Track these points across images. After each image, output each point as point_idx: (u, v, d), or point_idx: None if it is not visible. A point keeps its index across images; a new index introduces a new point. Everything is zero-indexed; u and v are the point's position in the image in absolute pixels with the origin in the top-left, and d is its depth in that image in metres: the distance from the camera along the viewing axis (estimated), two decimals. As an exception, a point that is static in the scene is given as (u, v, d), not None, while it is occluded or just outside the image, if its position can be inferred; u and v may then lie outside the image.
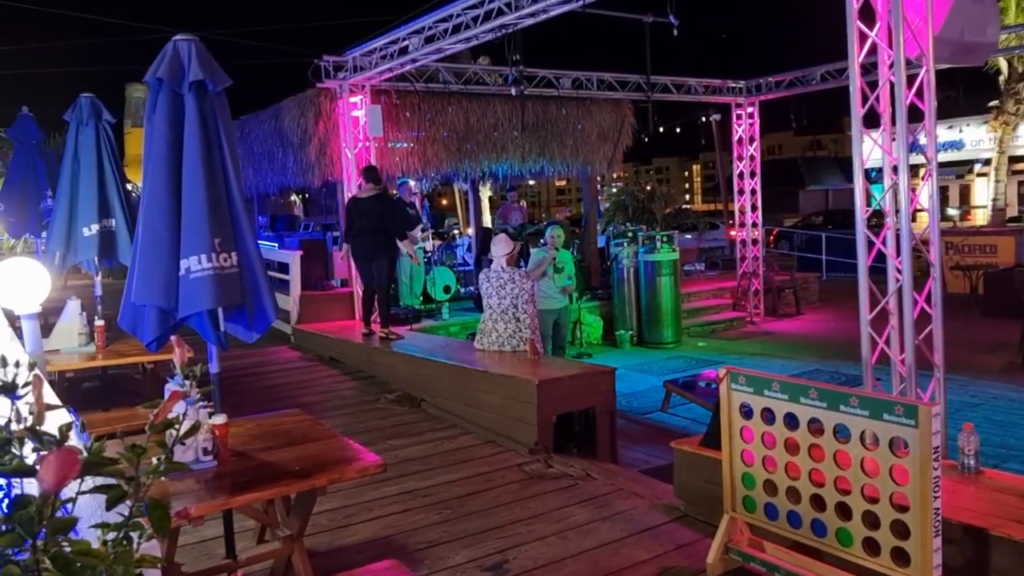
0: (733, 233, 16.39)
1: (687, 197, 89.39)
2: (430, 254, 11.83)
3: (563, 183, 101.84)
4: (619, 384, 6.43)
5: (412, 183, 11.75)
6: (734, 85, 13.06)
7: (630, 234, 12.33)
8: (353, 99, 9.84)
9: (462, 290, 12.81)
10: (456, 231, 16.31)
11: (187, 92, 3.25)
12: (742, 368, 3.81)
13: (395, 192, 11.54)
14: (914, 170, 4.94)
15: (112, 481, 1.26)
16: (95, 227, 5.71)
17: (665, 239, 11.72)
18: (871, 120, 4.61)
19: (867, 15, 4.58)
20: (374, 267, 8.64)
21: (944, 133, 24.82)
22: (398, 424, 6.50)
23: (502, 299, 6.79)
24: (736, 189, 13.50)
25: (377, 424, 6.49)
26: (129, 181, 7.01)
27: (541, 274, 8.35)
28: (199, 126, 3.26)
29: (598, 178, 14.73)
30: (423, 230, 10.97)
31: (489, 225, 16.99)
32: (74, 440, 1.34)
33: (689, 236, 20.29)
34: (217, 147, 3.32)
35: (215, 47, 3.68)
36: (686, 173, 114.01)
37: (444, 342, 8.57)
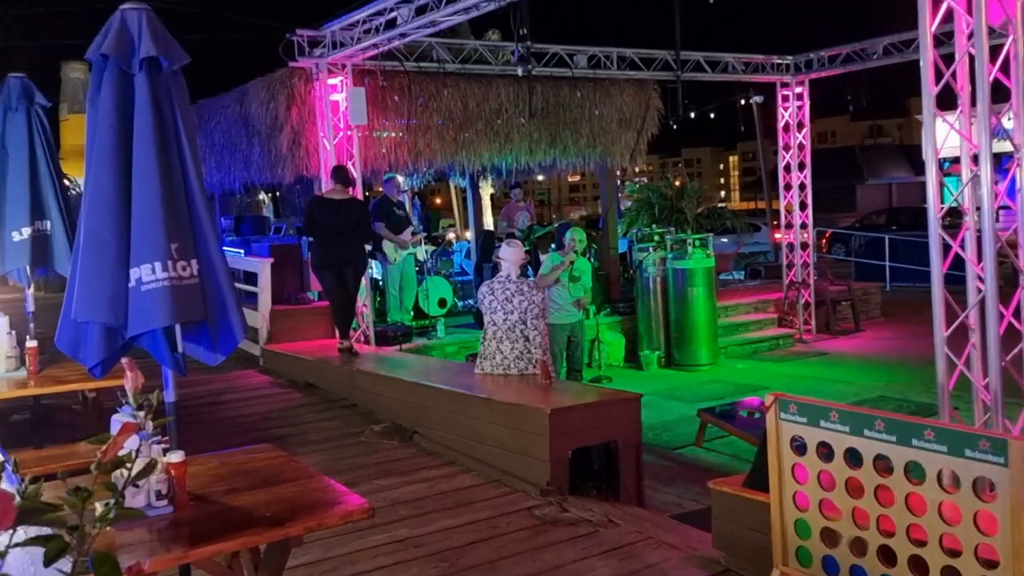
0: (778, 236, 16.40)
1: (723, 194, 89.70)
2: (423, 262, 11.85)
3: (577, 178, 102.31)
4: (645, 413, 6.41)
5: (400, 179, 11.78)
6: (779, 62, 13.09)
7: (656, 237, 12.35)
8: (332, 81, 9.87)
9: (460, 303, 12.83)
10: (452, 235, 16.39)
11: (137, 71, 3.25)
12: (792, 395, 3.79)
13: (380, 190, 11.61)
14: (997, 159, 4.91)
15: (51, 531, 1.23)
16: (26, 231, 5.70)
17: (698, 243, 11.74)
18: (946, 101, 4.58)
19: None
20: (345, 275, 8.80)
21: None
22: (386, 461, 6.49)
23: (508, 314, 6.79)
24: (782, 184, 13.51)
25: (362, 461, 6.48)
26: (67, 176, 7.02)
27: (553, 281, 8.37)
28: (152, 111, 3.26)
29: (618, 172, 14.76)
30: (414, 233, 10.98)
31: (491, 228, 17.06)
32: (4, 484, 1.32)
33: (726, 239, 20.29)
34: (173, 136, 3.32)
35: (169, 18, 3.69)
36: (722, 166, 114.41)
37: (439, 365, 8.56)
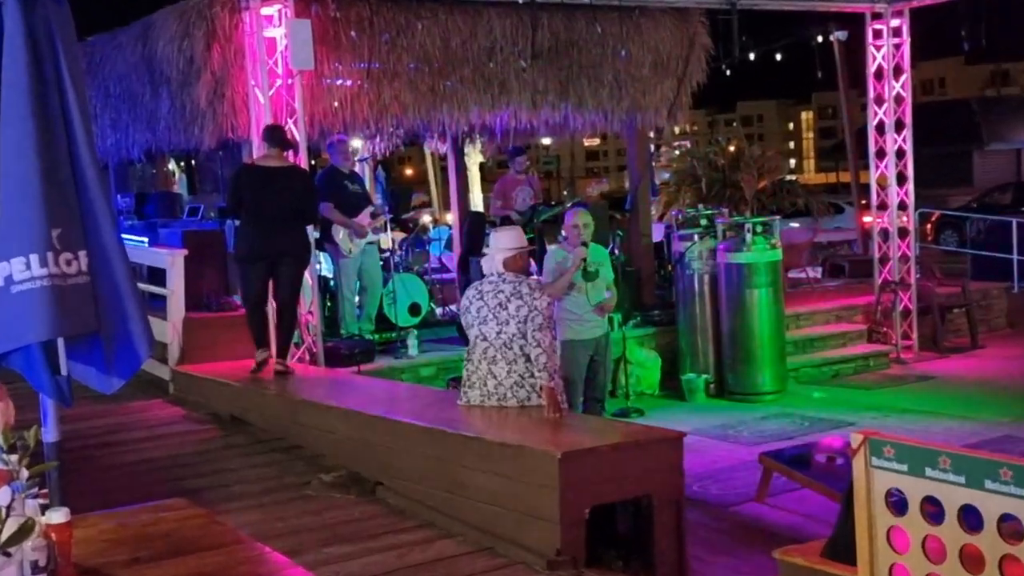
0: (867, 219, 16.38)
1: (793, 163, 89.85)
2: (388, 255, 11.87)
3: (596, 142, 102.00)
4: (689, 458, 6.40)
5: (357, 143, 11.80)
6: (870, -15, 13.13)
7: (704, 221, 12.37)
8: (267, 10, 9.88)
9: (438, 310, 12.82)
10: (428, 218, 16.40)
11: (7, -2, 3.26)
12: (887, 433, 3.81)
13: (326, 156, 11.62)
14: None
15: None
16: None
17: (759, 229, 11.76)
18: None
19: None
20: (280, 271, 8.91)
21: None
22: (340, 522, 6.47)
23: (503, 324, 6.79)
24: (872, 149, 13.54)
25: (307, 522, 6.47)
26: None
27: (565, 286, 8.34)
28: (26, 52, 3.27)
29: (652, 134, 14.74)
30: (374, 215, 11.01)
31: (480, 208, 17.06)
32: None
33: (797, 224, 20.27)
34: (54, 85, 3.33)
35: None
36: (791, 125, 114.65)
37: (410, 392, 8.56)
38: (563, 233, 8.82)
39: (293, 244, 8.92)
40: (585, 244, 8.40)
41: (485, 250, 7.23)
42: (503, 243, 7.01)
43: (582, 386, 8.52)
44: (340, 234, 10.77)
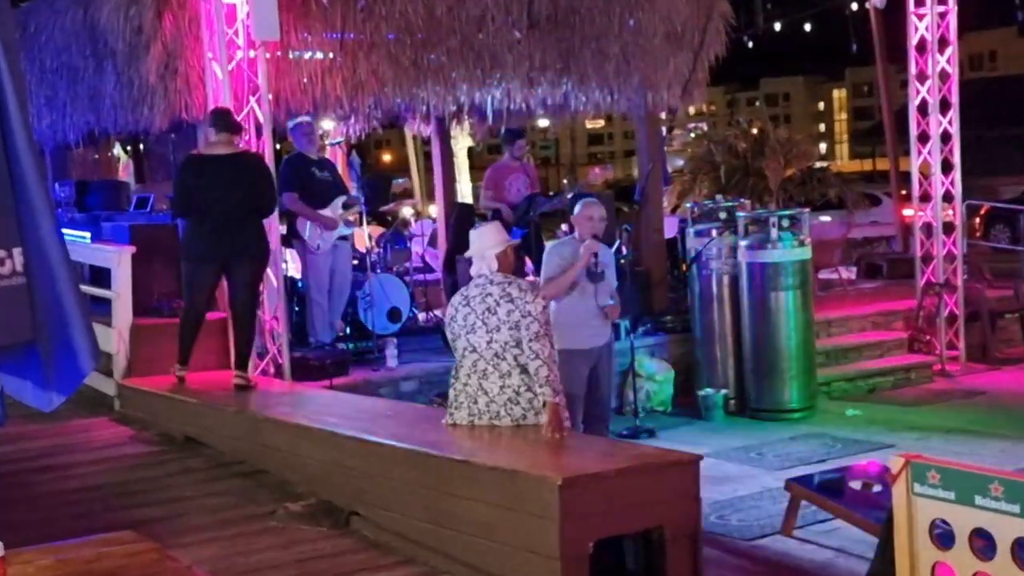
0: (908, 213, 16.38)
1: (824, 148, 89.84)
2: (364, 253, 11.85)
3: (600, 124, 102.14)
4: (706, 486, 6.42)
5: (330, 125, 11.78)
6: (911, -56, 13.14)
7: (723, 215, 12.36)
8: (226, -27, 9.87)
9: (422, 316, 12.81)
10: (410, 210, 16.38)
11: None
12: (931, 456, 3.81)
13: (290, 141, 11.61)
14: None
15: None
16: None
17: (786, 223, 11.76)
18: None
19: None
20: (235, 272, 9.01)
21: None
22: (311, 557, 6.47)
23: (493, 332, 6.78)
24: (914, 132, 13.52)
25: (272, 557, 6.47)
26: None
27: (567, 286, 8.30)
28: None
29: (664, 115, 14.71)
30: (347, 206, 11.01)
31: (468, 199, 17.06)
32: None
33: (828, 218, 20.27)
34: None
35: None
36: (822, 105, 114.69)
37: (390, 409, 8.53)
38: (563, 227, 8.84)
39: (248, 241, 8.96)
40: (597, 237, 8.44)
41: (469, 253, 7.19)
42: (490, 239, 7.01)
43: (583, 402, 8.48)
44: (307, 229, 10.78)
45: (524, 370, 6.78)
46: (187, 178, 8.98)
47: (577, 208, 8.68)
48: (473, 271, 7.09)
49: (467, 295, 6.98)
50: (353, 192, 12.34)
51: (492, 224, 7.40)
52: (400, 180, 21.15)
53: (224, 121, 9.10)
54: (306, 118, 11.11)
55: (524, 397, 6.81)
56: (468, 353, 6.89)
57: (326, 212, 10.83)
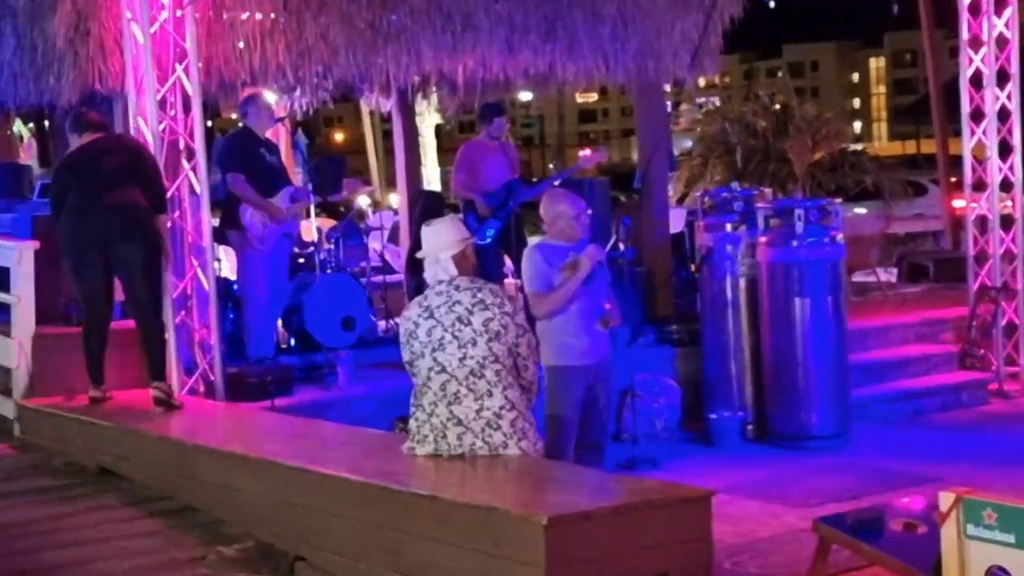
0: (959, 204, 16.38)
1: (858, 126, 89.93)
2: (312, 250, 11.88)
3: (593, 98, 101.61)
4: (720, 525, 6.44)
5: (271, 97, 11.78)
6: None
7: (739, 205, 12.39)
8: (148, -84, 9.89)
9: (381, 325, 12.81)
10: (367, 200, 16.39)
11: None
12: (988, 492, 3.84)
13: (235, 118, 11.61)
14: None
15: None
16: None
17: (814, 216, 11.81)
18: None
19: None
20: (123, 261, 9.16)
21: None
22: (248, 612, 6.52)
23: (468, 347, 6.79)
24: (966, 110, 13.48)
25: (203, 612, 6.50)
26: None
27: (568, 297, 8.26)
28: None
29: (669, 87, 14.72)
30: (294, 200, 11.04)
31: (436, 186, 17.05)
32: None
33: (864, 210, 20.31)
34: None
35: None
36: (856, 76, 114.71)
37: (342, 435, 8.55)
38: (549, 225, 8.69)
39: (131, 221, 9.10)
40: (579, 236, 8.46)
41: (420, 254, 7.21)
42: (446, 237, 7.00)
43: (575, 428, 8.51)
44: (253, 217, 10.86)
45: (508, 387, 6.85)
46: (62, 179, 9.29)
47: (545, 207, 8.60)
48: (428, 277, 7.08)
49: (428, 305, 6.93)
50: (299, 179, 12.38)
51: (447, 220, 7.31)
52: (362, 177, 21.04)
53: (82, 123, 9.37)
54: (258, 90, 11.14)
55: (507, 419, 6.81)
56: (435, 375, 6.86)
57: (273, 201, 10.87)
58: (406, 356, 7.05)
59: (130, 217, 9.14)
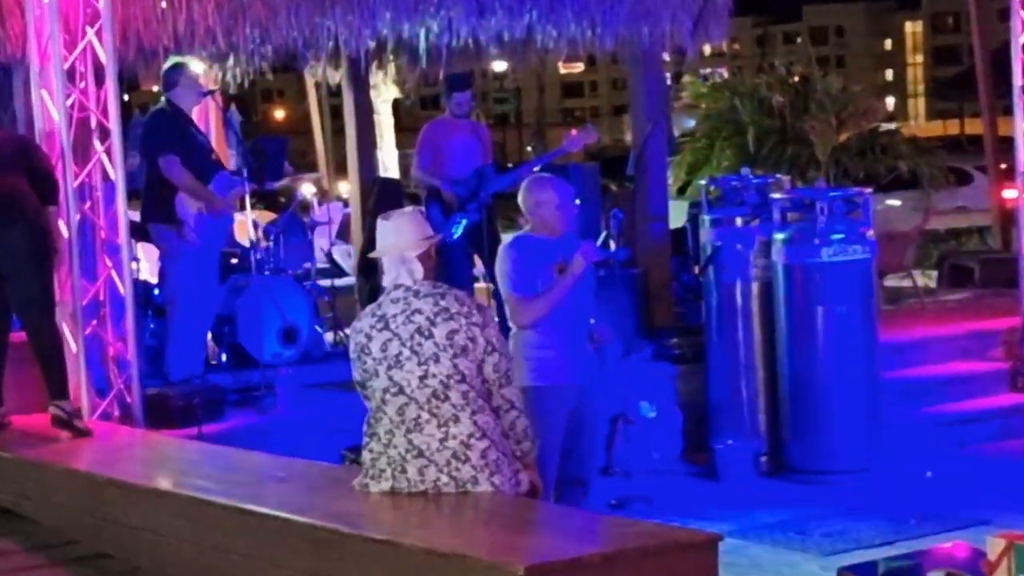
0: (1009, 195, 16.44)
1: (891, 103, 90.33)
2: (249, 248, 11.85)
3: (579, 68, 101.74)
4: (728, 574, 6.44)
5: (196, 67, 11.75)
6: None
7: (750, 195, 12.41)
8: None
9: (328, 337, 12.78)
10: (312, 188, 16.35)
11: None
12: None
13: (157, 90, 11.58)
14: None
15: None
16: None
17: (841, 208, 11.83)
18: None
19: None
20: (7, 264, 9.19)
21: None
22: None
23: (431, 364, 6.77)
24: (1018, 83, 13.55)
25: None
26: None
27: (558, 301, 8.23)
28: None
29: (667, 56, 14.74)
30: (230, 188, 11.01)
31: (395, 174, 17.03)
32: None
33: (898, 202, 20.39)
34: None
35: None
36: (888, 43, 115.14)
37: (283, 468, 8.52)
38: (531, 216, 8.65)
39: (9, 206, 9.13)
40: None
41: (377, 254, 7.13)
42: (408, 236, 6.96)
43: (556, 460, 8.49)
44: (187, 208, 10.83)
45: (478, 412, 6.81)
46: None
47: (525, 195, 8.57)
48: (386, 280, 6.98)
49: (382, 315, 6.85)
50: (232, 164, 12.34)
51: (407, 213, 7.19)
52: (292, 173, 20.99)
53: None
54: (193, 59, 11.10)
55: (476, 450, 6.75)
56: (391, 397, 6.80)
57: (211, 189, 10.86)
58: (357, 375, 6.99)
59: (10, 201, 9.13)
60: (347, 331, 12.52)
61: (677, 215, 14.31)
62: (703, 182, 14.13)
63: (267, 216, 13.53)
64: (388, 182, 14.81)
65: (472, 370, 6.81)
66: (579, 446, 8.59)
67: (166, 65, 11.10)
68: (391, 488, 6.83)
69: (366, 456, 6.98)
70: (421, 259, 6.90)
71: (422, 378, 6.73)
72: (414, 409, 6.77)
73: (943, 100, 71.57)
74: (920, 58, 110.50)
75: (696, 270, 12.94)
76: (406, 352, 6.75)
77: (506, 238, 9.60)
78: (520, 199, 8.59)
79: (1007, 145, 15.10)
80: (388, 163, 17.28)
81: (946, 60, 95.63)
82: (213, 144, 12.07)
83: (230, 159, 13.23)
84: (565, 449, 8.48)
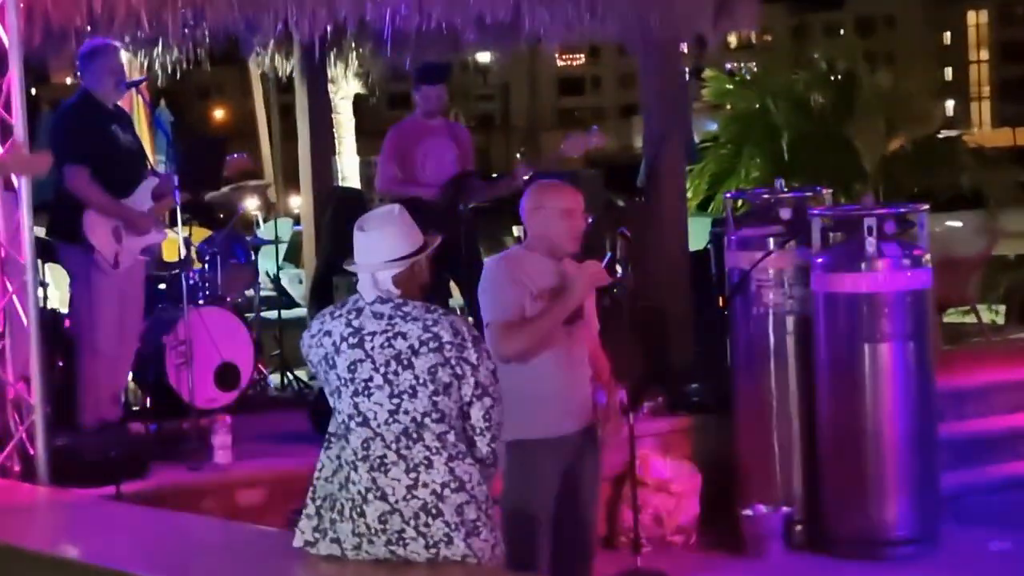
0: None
1: (949, 107, 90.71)
2: (179, 271, 11.86)
3: (580, 60, 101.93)
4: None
5: (122, 55, 11.78)
6: None
7: (785, 211, 12.43)
8: None
9: (273, 379, 12.80)
10: (256, 201, 16.42)
11: None
12: None
13: (70, 82, 11.59)
14: None
15: None
16: None
17: (892, 228, 11.85)
18: None
19: None
20: None
21: None
22: None
23: (405, 398, 6.76)
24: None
25: None
26: None
27: (550, 329, 8.22)
28: None
29: (686, 48, 14.78)
30: (159, 196, 11.02)
31: (356, 183, 17.07)
32: None
33: (959, 223, 20.47)
34: None
35: None
36: (947, 36, 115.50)
37: (219, 534, 8.56)
38: (517, 230, 8.69)
39: None
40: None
41: (350, 264, 7.09)
42: (382, 252, 6.95)
43: (548, 528, 8.47)
44: (100, 226, 10.81)
45: (456, 458, 6.77)
46: None
47: (531, 199, 8.54)
48: (364, 291, 6.96)
49: (358, 328, 6.83)
50: (163, 167, 12.34)
51: (390, 222, 7.12)
52: (236, 156, 20.97)
53: None
54: (105, 41, 11.10)
55: (451, 504, 6.71)
56: (355, 426, 6.79)
57: (132, 202, 10.85)
58: (313, 370, 7.07)
59: None
60: (297, 373, 12.55)
61: (698, 235, 14.32)
62: (728, 196, 14.20)
63: (201, 233, 13.50)
64: (348, 192, 14.84)
65: (453, 411, 6.77)
66: (579, 511, 8.58)
67: (85, 48, 11.11)
68: (350, 532, 6.76)
69: (310, 498, 6.90)
70: (401, 278, 6.85)
71: (392, 412, 6.69)
72: (379, 446, 6.72)
73: (1012, 103, 71.86)
74: (985, 55, 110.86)
75: (720, 301, 12.95)
76: (378, 379, 6.71)
77: (487, 261, 9.55)
78: (522, 202, 8.55)
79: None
80: (348, 172, 17.37)
81: (1016, 57, 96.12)
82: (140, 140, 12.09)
83: (158, 165, 13.22)
84: (559, 516, 8.46)
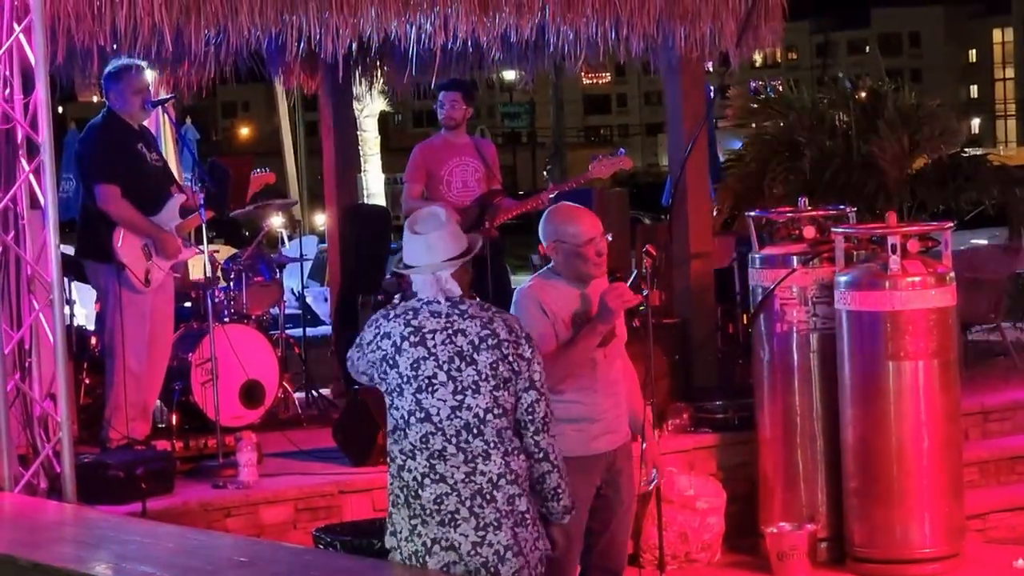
0: None
1: (975, 125, 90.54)
2: (204, 290, 11.85)
3: (606, 79, 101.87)
4: None
5: (148, 74, 11.76)
6: None
7: (808, 229, 12.40)
8: None
9: (298, 396, 12.78)
10: (280, 219, 16.42)
11: None
12: None
13: (96, 100, 11.58)
14: None
15: None
16: None
17: (917, 246, 11.82)
18: None
19: None
20: None
21: None
22: None
23: (468, 394, 6.74)
24: None
25: None
26: None
27: (585, 357, 8.19)
28: None
29: (711, 66, 14.77)
30: (186, 212, 11.03)
31: (381, 201, 17.05)
32: None
33: (984, 241, 20.34)
34: None
35: None
36: (972, 54, 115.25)
37: (244, 553, 8.53)
38: (550, 251, 8.58)
39: None
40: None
41: (396, 267, 7.11)
42: (443, 252, 6.96)
43: (580, 545, 8.45)
44: (131, 245, 10.85)
45: (512, 453, 6.85)
46: None
47: (548, 231, 8.48)
48: (422, 291, 7.01)
49: (419, 327, 6.89)
50: (188, 184, 12.33)
51: (442, 225, 7.08)
52: (261, 170, 20.91)
53: None
54: (131, 62, 11.09)
55: (503, 493, 6.82)
56: (416, 422, 6.86)
57: (160, 220, 10.84)
58: (370, 373, 7.05)
59: None
60: (323, 391, 12.54)
61: (722, 253, 14.28)
62: (753, 214, 14.14)
63: (227, 251, 13.51)
64: (373, 211, 14.82)
65: (511, 405, 6.89)
66: (611, 529, 8.60)
67: (111, 67, 11.11)
68: (406, 519, 6.89)
69: (394, 503, 7.02)
70: (458, 275, 6.98)
71: (455, 408, 6.81)
72: (439, 440, 6.83)
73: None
74: (1010, 72, 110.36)
75: (744, 319, 12.91)
76: (442, 376, 6.82)
77: (516, 282, 9.54)
78: (540, 231, 8.55)
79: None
80: (373, 189, 17.35)
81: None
82: (167, 157, 12.09)
83: (184, 183, 13.21)
84: (594, 533, 8.48)
